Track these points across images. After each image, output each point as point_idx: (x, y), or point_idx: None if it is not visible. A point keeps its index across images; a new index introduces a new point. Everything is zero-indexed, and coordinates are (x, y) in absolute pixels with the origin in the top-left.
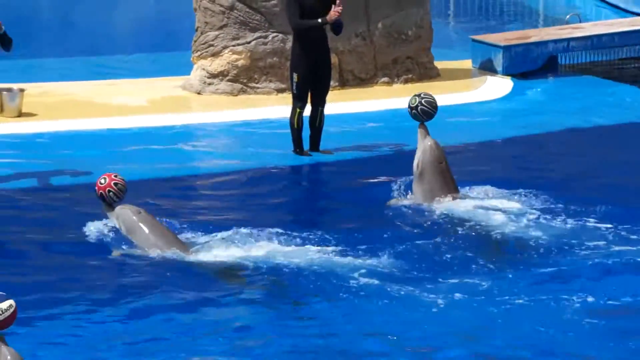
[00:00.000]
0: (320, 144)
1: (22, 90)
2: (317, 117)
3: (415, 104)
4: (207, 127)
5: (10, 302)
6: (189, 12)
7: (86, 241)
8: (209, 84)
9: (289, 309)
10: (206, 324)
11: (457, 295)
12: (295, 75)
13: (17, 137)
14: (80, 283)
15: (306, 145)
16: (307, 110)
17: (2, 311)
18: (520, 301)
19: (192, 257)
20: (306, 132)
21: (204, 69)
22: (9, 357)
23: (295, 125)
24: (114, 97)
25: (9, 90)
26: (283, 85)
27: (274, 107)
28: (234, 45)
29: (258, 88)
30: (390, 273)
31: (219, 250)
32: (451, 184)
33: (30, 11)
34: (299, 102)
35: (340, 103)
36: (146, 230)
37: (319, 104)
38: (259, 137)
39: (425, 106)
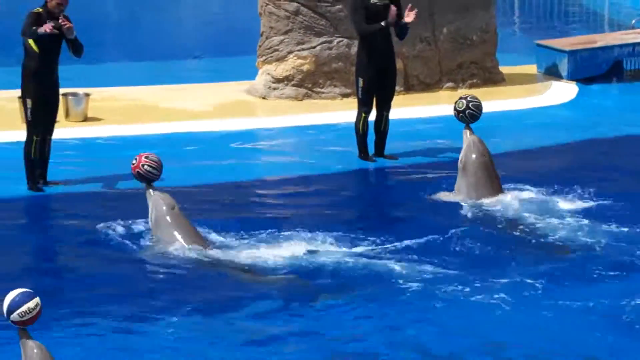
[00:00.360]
0: (385, 149)
1: (87, 95)
2: (382, 122)
3: (462, 107)
4: (272, 132)
5: (37, 300)
6: (254, 17)
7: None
8: (274, 88)
9: (334, 311)
10: (239, 329)
11: (505, 297)
12: (360, 80)
13: (83, 141)
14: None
15: (371, 150)
16: (372, 116)
17: (29, 310)
18: (576, 304)
19: (213, 255)
20: (371, 137)
21: (269, 74)
22: (35, 350)
23: (361, 130)
24: (179, 101)
25: (75, 95)
26: (348, 90)
27: (339, 112)
28: (299, 50)
29: (323, 93)
30: (439, 275)
31: (264, 250)
32: (494, 179)
33: (97, 16)
34: (364, 107)
35: (405, 108)
36: (173, 227)
37: (384, 108)
38: (324, 141)
39: (472, 109)
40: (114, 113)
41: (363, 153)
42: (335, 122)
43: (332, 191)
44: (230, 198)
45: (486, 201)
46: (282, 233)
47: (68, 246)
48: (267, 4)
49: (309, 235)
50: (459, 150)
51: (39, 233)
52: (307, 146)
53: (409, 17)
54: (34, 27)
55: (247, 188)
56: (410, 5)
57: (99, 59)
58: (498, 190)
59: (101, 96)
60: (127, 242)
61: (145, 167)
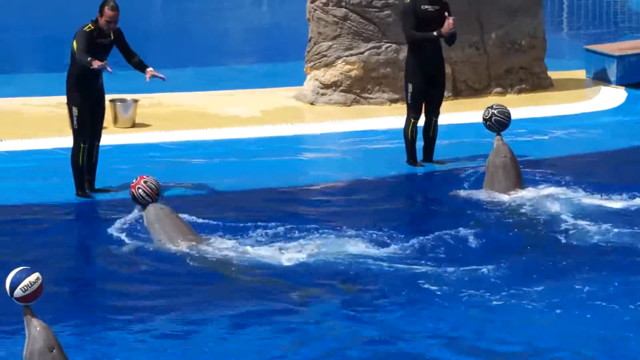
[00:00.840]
0: (434, 155)
1: (135, 100)
2: (431, 127)
3: (488, 116)
4: (320, 138)
5: (37, 275)
6: (303, 23)
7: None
8: (322, 94)
9: (370, 314)
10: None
11: (550, 301)
12: (410, 86)
13: (130, 147)
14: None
15: (420, 156)
16: (421, 121)
17: (30, 284)
18: (617, 308)
19: (256, 257)
20: (420, 143)
21: (317, 80)
22: (38, 328)
23: (409, 136)
24: (227, 107)
25: (123, 101)
26: (396, 96)
27: (387, 117)
28: (347, 56)
29: (371, 98)
30: (479, 278)
31: (306, 253)
32: (516, 178)
33: (145, 22)
34: (413, 112)
35: (454, 113)
36: (163, 224)
37: (433, 114)
38: (372, 147)
39: (499, 116)
40: (162, 119)
41: (412, 159)
42: (384, 128)
43: (379, 197)
44: (278, 203)
45: (513, 196)
46: (328, 237)
47: (111, 252)
48: (316, 10)
49: (354, 239)
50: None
51: (84, 239)
52: (355, 152)
53: (447, 27)
54: (89, 58)
55: (295, 193)
56: (446, 14)
57: (147, 64)
58: (517, 185)
59: (149, 102)
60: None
61: (140, 191)
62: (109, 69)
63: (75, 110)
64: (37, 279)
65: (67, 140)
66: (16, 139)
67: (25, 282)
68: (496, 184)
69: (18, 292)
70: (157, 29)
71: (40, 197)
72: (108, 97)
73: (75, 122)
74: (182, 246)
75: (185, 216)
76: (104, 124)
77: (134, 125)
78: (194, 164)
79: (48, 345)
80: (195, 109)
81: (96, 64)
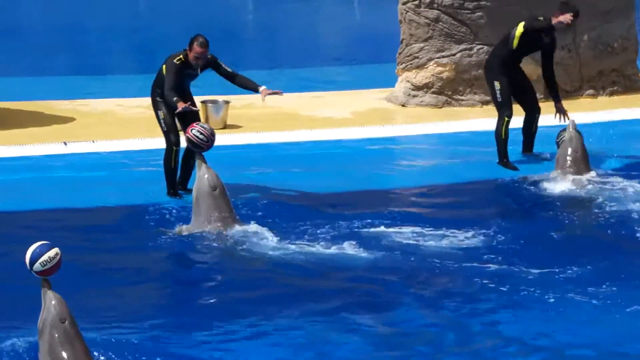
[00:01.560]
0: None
1: (227, 102)
2: (534, 122)
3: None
4: (412, 140)
5: (56, 250)
6: (394, 24)
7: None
8: (414, 96)
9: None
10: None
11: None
12: (496, 83)
13: (221, 148)
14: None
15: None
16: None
17: (49, 259)
18: None
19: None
20: (513, 142)
21: (408, 81)
22: (53, 302)
23: (503, 135)
24: (318, 109)
25: (215, 102)
26: (488, 98)
27: (479, 119)
28: (438, 58)
29: (462, 100)
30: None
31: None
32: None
33: (236, 24)
34: (506, 110)
35: (545, 115)
36: (207, 207)
37: (535, 110)
38: (463, 149)
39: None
40: (253, 120)
41: (504, 158)
42: (475, 130)
43: (467, 199)
44: (370, 205)
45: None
46: (415, 239)
47: (200, 251)
48: (408, 11)
49: (439, 240)
50: (600, 154)
51: (174, 239)
52: (446, 154)
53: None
54: (175, 98)
55: (385, 195)
56: None
57: (238, 66)
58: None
59: (240, 104)
60: (261, 243)
61: (194, 131)
62: (193, 108)
63: (161, 114)
64: (56, 254)
65: (159, 142)
66: (111, 140)
67: (45, 257)
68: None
69: (37, 267)
70: (248, 30)
71: (133, 198)
72: (200, 98)
73: (163, 125)
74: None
75: (276, 220)
76: None
77: (225, 126)
78: (286, 165)
79: (60, 317)
80: (286, 110)
81: (181, 105)
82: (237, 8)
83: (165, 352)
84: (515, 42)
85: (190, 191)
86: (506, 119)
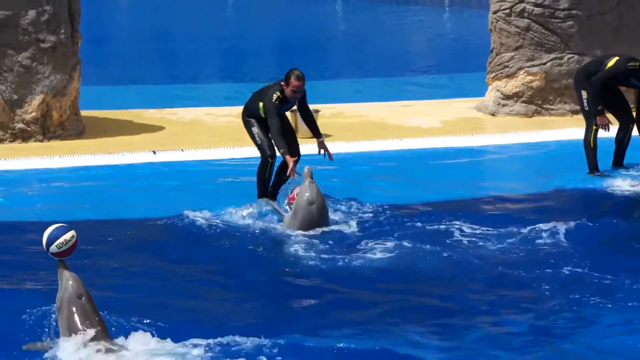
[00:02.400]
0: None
1: (316, 111)
2: (626, 136)
3: None
4: (501, 149)
5: (72, 232)
6: (485, 33)
7: None
8: (504, 105)
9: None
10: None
11: None
12: (583, 92)
13: (309, 157)
14: None
15: (604, 164)
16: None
17: (65, 242)
18: None
19: None
20: (602, 151)
21: (498, 90)
22: (70, 281)
23: (592, 144)
24: (407, 118)
25: None
26: (578, 107)
27: (569, 129)
28: (529, 67)
29: (552, 109)
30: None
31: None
32: None
33: (325, 34)
34: (593, 119)
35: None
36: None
37: (628, 123)
38: (554, 159)
39: None
40: (343, 129)
41: (594, 169)
42: (565, 139)
43: (556, 207)
44: (457, 213)
45: None
46: (492, 248)
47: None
48: (498, 20)
49: (522, 249)
50: None
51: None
52: (536, 163)
53: None
54: (283, 150)
55: (473, 204)
56: None
57: (327, 76)
58: None
59: (330, 112)
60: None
61: (52, 248)
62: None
63: (254, 129)
64: (72, 237)
65: (246, 150)
66: (199, 149)
67: (61, 239)
68: None
69: (53, 249)
70: (338, 39)
71: (222, 204)
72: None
73: (257, 139)
74: None
75: (366, 226)
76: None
77: None
78: (377, 174)
79: (77, 294)
80: (376, 119)
81: (291, 162)
82: (327, 17)
83: None
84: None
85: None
86: (594, 127)
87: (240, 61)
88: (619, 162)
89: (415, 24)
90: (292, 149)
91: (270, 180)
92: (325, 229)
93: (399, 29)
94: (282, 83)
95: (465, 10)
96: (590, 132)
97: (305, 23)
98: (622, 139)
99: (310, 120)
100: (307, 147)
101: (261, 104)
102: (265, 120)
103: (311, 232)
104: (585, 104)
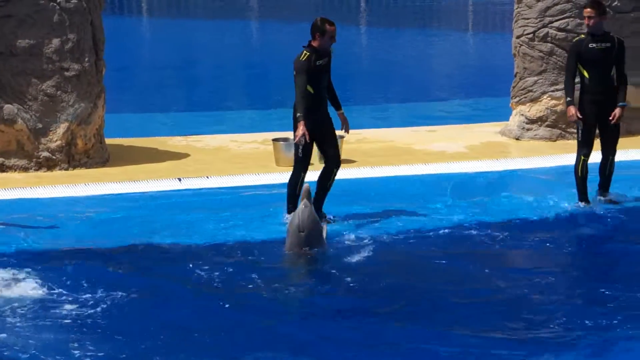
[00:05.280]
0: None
1: (341, 137)
2: (607, 165)
3: None
4: (526, 173)
5: None
6: (508, 58)
7: None
8: (528, 129)
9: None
10: None
11: None
12: (580, 123)
13: (336, 183)
14: None
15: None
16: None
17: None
18: None
19: None
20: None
21: (522, 115)
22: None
23: (579, 174)
24: (432, 143)
25: None
26: None
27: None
28: (552, 91)
29: (576, 134)
30: None
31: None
32: None
33: (351, 59)
34: (584, 149)
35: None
36: None
37: (609, 152)
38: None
39: None
40: (367, 155)
41: (581, 199)
42: (589, 163)
43: (582, 231)
44: (481, 238)
45: None
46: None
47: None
48: (522, 45)
49: (519, 280)
50: None
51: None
52: (561, 187)
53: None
54: (299, 114)
55: (491, 230)
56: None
57: (351, 101)
58: None
59: (355, 138)
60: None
61: None
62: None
63: (303, 139)
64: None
65: (272, 177)
66: (225, 175)
67: None
68: None
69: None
70: (363, 64)
71: (248, 234)
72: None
73: (300, 152)
74: None
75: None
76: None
77: None
78: (402, 199)
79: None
80: (400, 144)
81: (300, 131)
82: (352, 43)
83: None
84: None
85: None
86: (582, 157)
87: (265, 88)
88: (604, 190)
89: (440, 49)
90: (317, 118)
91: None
92: (318, 250)
93: (423, 55)
94: (312, 40)
95: (489, 35)
96: (578, 162)
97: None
98: (604, 170)
99: (332, 93)
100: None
101: (295, 73)
102: (312, 131)
103: (300, 254)
104: (579, 135)
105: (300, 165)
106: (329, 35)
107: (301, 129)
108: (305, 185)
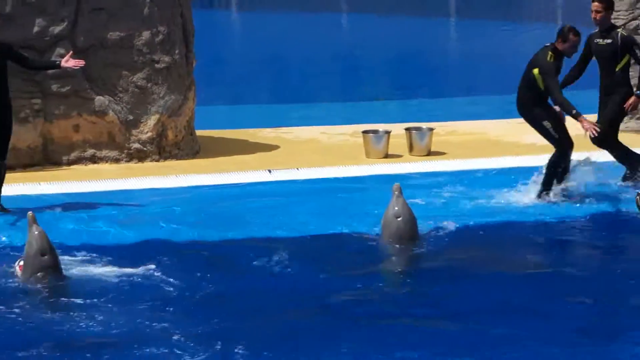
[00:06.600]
0: None
1: (431, 129)
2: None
3: None
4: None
5: None
6: None
7: None
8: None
9: None
10: None
11: None
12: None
13: (426, 175)
14: None
15: None
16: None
17: None
18: None
19: None
20: None
21: None
22: (36, 233)
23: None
24: (522, 135)
25: (419, 129)
26: None
27: None
28: None
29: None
30: None
31: None
32: None
33: (436, 52)
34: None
35: None
36: None
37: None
38: None
39: None
40: (457, 147)
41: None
42: None
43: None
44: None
45: None
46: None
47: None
48: None
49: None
50: None
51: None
52: None
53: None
54: (575, 111)
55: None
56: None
57: (441, 93)
58: None
59: (444, 130)
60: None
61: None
62: (593, 131)
63: (546, 124)
64: None
65: (362, 169)
66: (315, 167)
67: None
68: None
69: None
70: (450, 58)
71: (336, 226)
72: (403, 125)
73: (554, 133)
74: None
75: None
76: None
77: (429, 153)
78: (490, 189)
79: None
80: (490, 136)
81: (584, 122)
82: (438, 36)
83: None
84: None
85: None
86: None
87: (355, 80)
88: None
89: (530, 39)
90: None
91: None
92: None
93: (513, 45)
94: (555, 42)
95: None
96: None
97: (419, 41)
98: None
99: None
100: (418, 165)
101: (536, 71)
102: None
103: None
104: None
105: (562, 143)
106: (570, 44)
107: (585, 122)
108: (395, 185)
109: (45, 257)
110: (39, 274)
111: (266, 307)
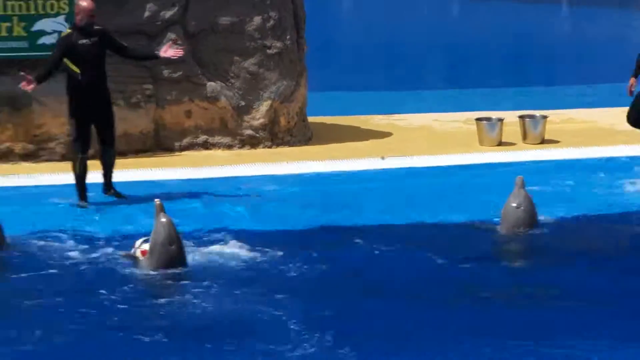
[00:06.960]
0: None
1: (544, 117)
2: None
3: None
4: None
5: None
6: None
7: None
8: None
9: None
10: None
11: None
12: None
13: (539, 163)
14: None
15: None
16: None
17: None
18: None
19: None
20: None
21: None
22: (163, 220)
23: None
24: None
25: (532, 117)
26: None
27: None
28: None
29: None
30: None
31: None
32: None
33: (548, 39)
34: None
35: None
36: None
37: None
38: None
39: None
40: (572, 135)
41: None
42: None
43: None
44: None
45: None
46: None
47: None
48: None
49: None
50: None
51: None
52: None
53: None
54: None
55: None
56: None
57: (555, 82)
58: None
59: (559, 118)
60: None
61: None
62: None
63: None
64: None
65: (476, 157)
66: (428, 155)
67: None
68: None
69: None
70: (561, 45)
71: (462, 213)
72: (517, 113)
73: None
74: None
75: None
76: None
77: (542, 141)
78: (606, 178)
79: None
80: (604, 125)
81: None
82: (553, 23)
83: None
84: None
85: None
86: None
87: (467, 67)
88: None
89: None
90: None
91: None
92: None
93: (627, 33)
94: None
95: None
96: None
97: (533, 29)
98: None
99: None
100: (531, 153)
101: None
102: None
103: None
104: None
105: None
106: None
107: None
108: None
109: (173, 247)
110: (165, 263)
111: (384, 294)
